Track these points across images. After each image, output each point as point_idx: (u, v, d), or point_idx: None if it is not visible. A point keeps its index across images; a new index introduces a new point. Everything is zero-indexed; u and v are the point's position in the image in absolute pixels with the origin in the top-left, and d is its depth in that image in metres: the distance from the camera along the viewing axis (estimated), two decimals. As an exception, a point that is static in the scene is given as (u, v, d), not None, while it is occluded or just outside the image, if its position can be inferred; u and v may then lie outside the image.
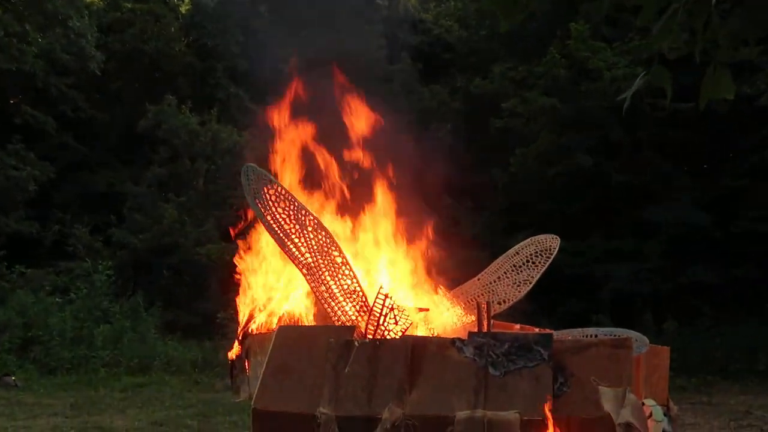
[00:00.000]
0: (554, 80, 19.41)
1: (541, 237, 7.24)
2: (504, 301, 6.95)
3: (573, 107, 18.97)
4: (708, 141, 18.78)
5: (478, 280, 7.08)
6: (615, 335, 6.00)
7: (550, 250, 7.14)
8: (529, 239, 7.24)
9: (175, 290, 20.73)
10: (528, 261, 7.07)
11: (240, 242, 7.16)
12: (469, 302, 6.83)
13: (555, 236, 7.20)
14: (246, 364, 6.53)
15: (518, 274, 7.04)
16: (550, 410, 4.70)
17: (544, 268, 7.04)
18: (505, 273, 7.06)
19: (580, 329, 6.51)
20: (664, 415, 5.68)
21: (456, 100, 23.49)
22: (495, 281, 7.03)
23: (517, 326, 6.67)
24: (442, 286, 6.87)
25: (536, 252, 7.13)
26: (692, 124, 17.85)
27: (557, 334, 5.61)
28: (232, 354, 6.67)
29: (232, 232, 7.91)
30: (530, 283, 6.99)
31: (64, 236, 21.51)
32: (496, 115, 20.68)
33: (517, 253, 7.15)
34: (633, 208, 18.88)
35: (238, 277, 6.93)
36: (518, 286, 7.00)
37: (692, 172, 19.36)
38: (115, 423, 11.11)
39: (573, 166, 18.81)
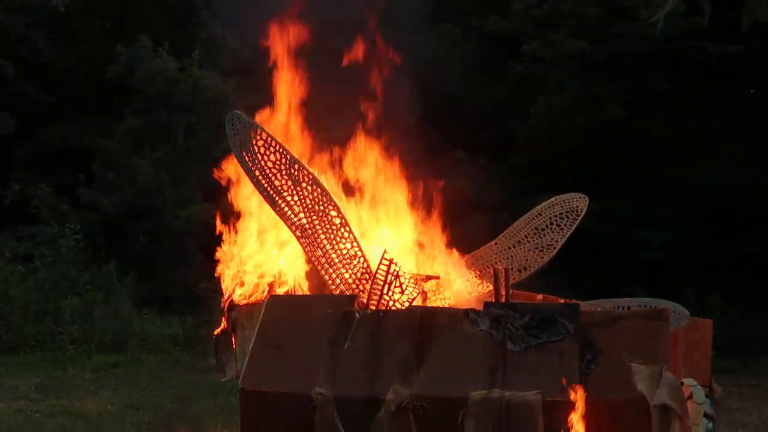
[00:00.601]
0: (583, 20, 19.23)
1: (567, 196, 7.21)
2: (525, 269, 6.96)
3: (604, 51, 18.81)
4: (760, 90, 18.64)
5: (495, 244, 7.08)
6: (650, 306, 5.98)
7: (577, 211, 7.12)
8: (553, 198, 7.22)
9: (153, 258, 20.71)
10: (552, 223, 7.07)
11: (225, 202, 7.15)
12: (484, 270, 6.83)
13: (582, 195, 7.18)
14: (232, 339, 6.56)
15: (541, 238, 7.04)
16: (576, 391, 4.71)
17: (570, 232, 7.03)
18: (525, 237, 7.06)
19: (611, 300, 6.51)
20: (706, 396, 5.68)
21: (469, 41, 23.27)
22: (514, 246, 7.03)
23: (540, 296, 6.67)
24: (454, 252, 6.87)
25: (561, 213, 7.11)
26: (741, 71, 17.72)
27: (585, 305, 5.61)
28: (218, 329, 6.70)
29: (216, 192, 7.91)
30: (554, 249, 6.98)
31: (25, 197, 21.46)
32: (515, 59, 20.51)
33: (540, 215, 7.14)
34: (672, 167, 18.79)
35: (223, 241, 6.94)
36: (540, 251, 7.00)
37: (741, 126, 19.24)
38: (85, 406, 11.17)
39: (603, 119, 18.70)
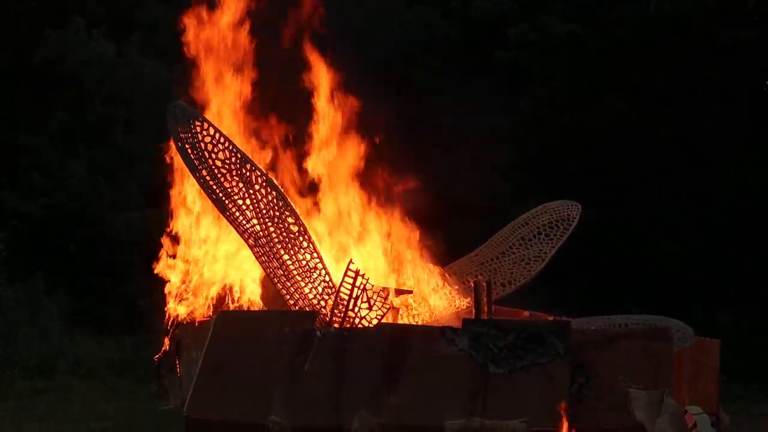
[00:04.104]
0: (574, 3, 19.34)
1: (557, 203, 7.29)
2: (509, 283, 7.01)
3: (602, 37, 18.92)
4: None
5: (476, 256, 7.14)
6: (650, 324, 6.03)
7: (568, 219, 7.20)
8: (541, 206, 7.29)
9: (86, 271, 20.61)
10: (540, 233, 7.14)
11: (168, 207, 7.13)
12: (463, 283, 6.86)
13: (574, 203, 7.25)
14: (176, 362, 6.53)
15: (527, 249, 7.10)
16: (566, 419, 4.73)
17: (561, 242, 7.10)
18: (510, 248, 7.12)
19: (605, 317, 6.55)
20: (713, 427, 5.73)
21: (450, 25, 23.36)
22: (497, 257, 7.09)
23: (526, 313, 6.71)
24: (429, 263, 6.89)
25: (551, 222, 7.19)
26: (756, 58, 17.86)
27: (576, 323, 5.65)
28: (160, 351, 6.68)
29: (159, 196, 7.89)
30: (543, 261, 7.05)
31: (-61, 201, 21.32)
32: (501, 45, 20.58)
33: (526, 224, 7.21)
34: (680, 168, 18.89)
35: (165, 252, 6.92)
36: (527, 263, 7.06)
37: (759, 124, 19.33)
38: (7, 441, 11.09)
39: (601, 113, 18.80)
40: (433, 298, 6.57)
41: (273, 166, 6.83)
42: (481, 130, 20.63)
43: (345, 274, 5.65)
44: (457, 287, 6.81)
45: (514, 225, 7.26)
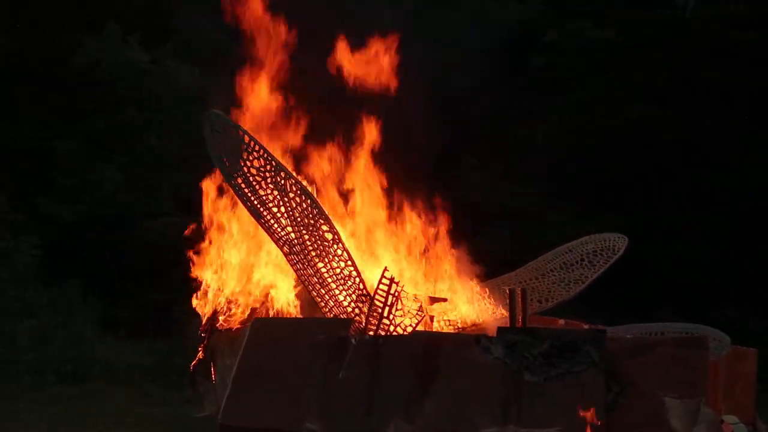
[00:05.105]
0: (608, 6, 19.28)
1: (605, 235, 7.32)
2: (547, 300, 7.02)
3: (633, 41, 18.85)
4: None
5: (516, 275, 7.16)
6: (686, 332, 6.01)
7: (613, 249, 7.23)
8: (587, 237, 7.33)
9: (120, 276, 20.70)
10: (583, 260, 7.19)
11: (203, 213, 7.15)
12: (500, 296, 6.87)
13: (622, 236, 7.28)
14: (211, 368, 6.55)
15: (568, 272, 7.16)
16: (601, 427, 4.71)
17: (603, 270, 7.13)
18: (551, 270, 7.19)
19: (642, 325, 6.54)
20: (749, 435, 5.69)
21: (482, 31, 23.31)
22: (537, 278, 7.14)
23: (561, 321, 6.70)
24: (464, 274, 6.89)
25: (595, 250, 7.23)
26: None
27: (611, 331, 5.62)
28: (195, 358, 6.70)
29: (193, 201, 7.91)
30: (583, 284, 7.08)
31: (-25, 206, 21.47)
32: (533, 51, 20.55)
33: (570, 251, 7.25)
34: (712, 172, 18.77)
35: (201, 258, 6.94)
36: (567, 285, 7.10)
37: (761, 124, 19.14)
38: (41, 445, 11.16)
39: (632, 117, 18.72)
40: (468, 306, 6.56)
41: (306, 174, 6.84)
42: (512, 134, 20.62)
43: (379, 282, 5.65)
44: (492, 300, 6.80)
45: (557, 251, 7.35)
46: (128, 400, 15.25)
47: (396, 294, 5.63)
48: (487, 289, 6.87)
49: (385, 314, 5.60)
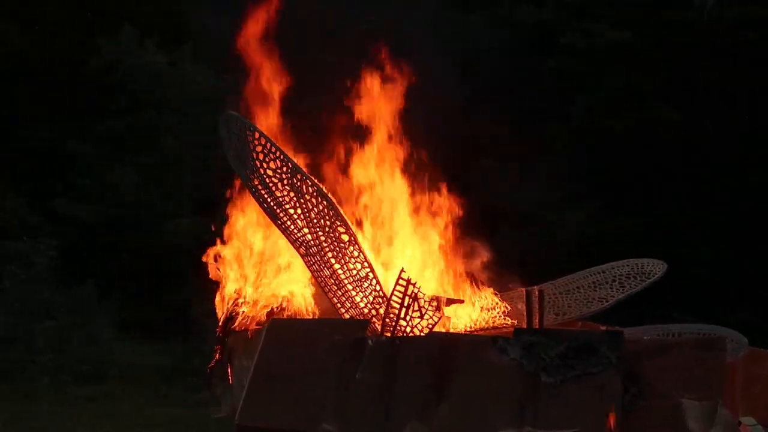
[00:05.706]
0: (627, 6, 19.24)
1: (643, 260, 7.22)
2: (564, 314, 6.97)
3: (652, 43, 18.81)
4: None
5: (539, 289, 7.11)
6: (703, 333, 5.99)
7: (648, 274, 7.13)
8: (624, 260, 7.23)
9: (137, 277, 20.75)
10: (614, 281, 7.07)
11: (220, 214, 7.17)
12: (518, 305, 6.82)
13: (661, 262, 7.18)
14: (228, 369, 6.57)
15: (594, 291, 7.06)
16: (618, 429, 4.71)
17: (632, 292, 7.05)
18: (577, 288, 7.09)
19: (659, 326, 6.52)
20: (767, 438, 5.67)
21: (499, 33, 23.29)
22: (561, 294, 7.06)
23: (578, 322, 6.68)
24: (481, 277, 6.88)
25: (628, 274, 7.13)
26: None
27: (629, 332, 5.61)
28: (210, 359, 6.71)
29: (210, 203, 7.93)
30: (605, 302, 6.99)
31: (-7, 208, 21.54)
32: (550, 52, 20.52)
33: (603, 271, 7.17)
34: (730, 173, 18.71)
35: (218, 259, 6.95)
36: (589, 303, 7.02)
37: (761, 124, 19.06)
38: (59, 445, 11.20)
39: (651, 119, 18.68)
40: (484, 312, 6.55)
41: (322, 176, 6.85)
42: (530, 136, 20.58)
43: (396, 283, 5.66)
44: (509, 306, 6.75)
45: (590, 270, 7.24)
46: (145, 401, 15.29)
47: (413, 295, 5.64)
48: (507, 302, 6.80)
49: (402, 315, 5.61)
